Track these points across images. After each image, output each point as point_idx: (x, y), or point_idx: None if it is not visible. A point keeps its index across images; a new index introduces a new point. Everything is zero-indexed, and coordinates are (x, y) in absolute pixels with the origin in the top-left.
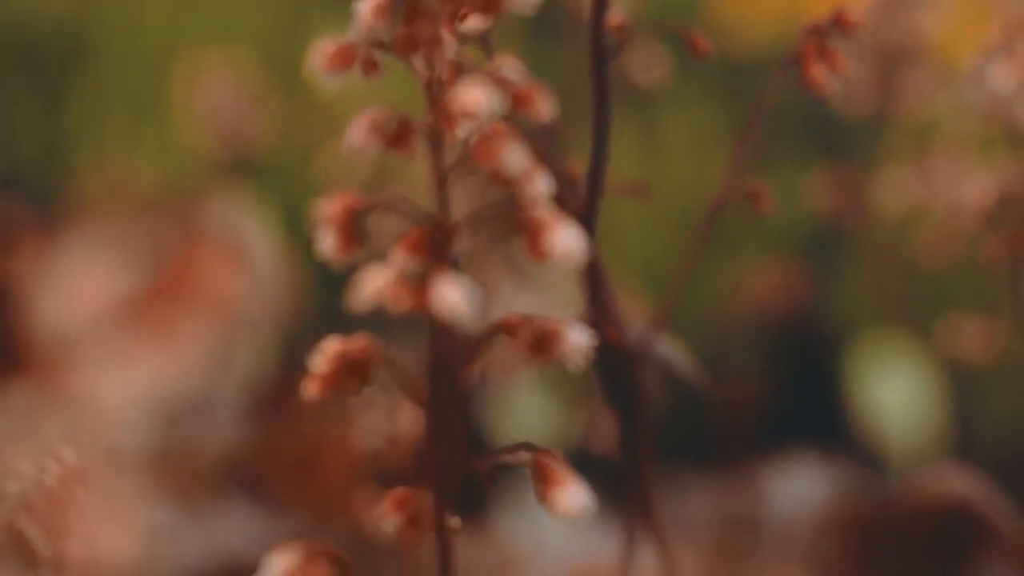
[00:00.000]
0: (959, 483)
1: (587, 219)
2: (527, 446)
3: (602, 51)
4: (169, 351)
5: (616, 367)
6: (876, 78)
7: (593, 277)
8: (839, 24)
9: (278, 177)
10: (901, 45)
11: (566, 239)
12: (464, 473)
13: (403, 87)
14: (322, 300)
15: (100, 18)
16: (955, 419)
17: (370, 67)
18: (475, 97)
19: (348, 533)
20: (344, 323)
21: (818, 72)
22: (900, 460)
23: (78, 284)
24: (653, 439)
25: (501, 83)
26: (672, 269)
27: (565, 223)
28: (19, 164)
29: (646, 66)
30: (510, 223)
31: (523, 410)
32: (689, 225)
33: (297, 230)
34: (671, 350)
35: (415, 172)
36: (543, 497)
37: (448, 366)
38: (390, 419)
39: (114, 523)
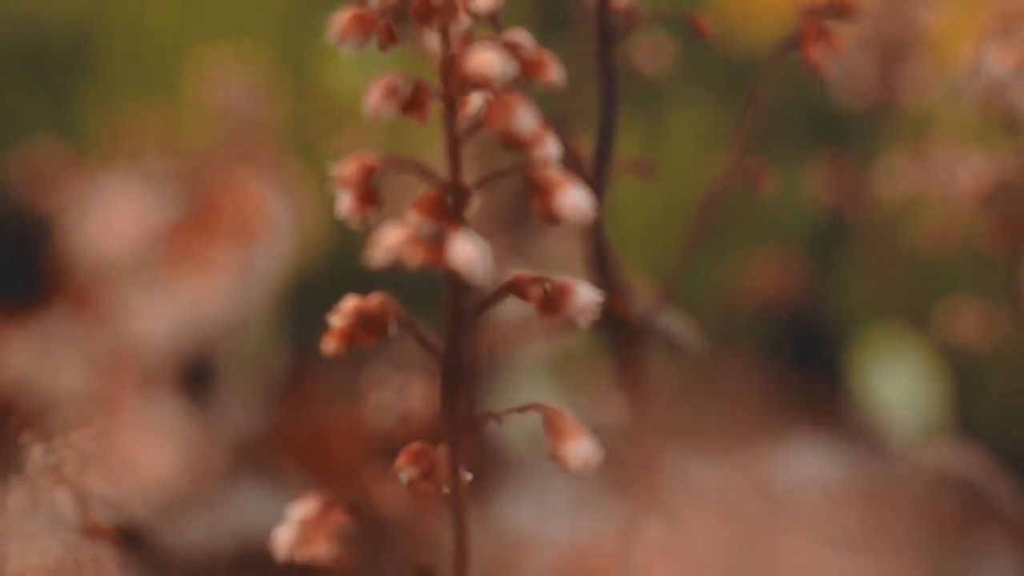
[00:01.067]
0: (962, 461)
1: (594, 193)
2: (537, 405)
3: (608, 33)
4: (201, 279)
5: (621, 340)
6: (876, 69)
7: (598, 252)
8: (837, 5)
9: (284, 172)
10: (901, 36)
11: (575, 197)
12: (474, 427)
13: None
14: (327, 290)
15: (105, 17)
16: (955, 407)
17: (386, 38)
18: (487, 59)
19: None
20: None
21: (817, 53)
22: (902, 449)
23: (115, 216)
24: (658, 412)
25: (512, 48)
26: (675, 265)
27: (574, 182)
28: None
29: (651, 56)
30: (520, 184)
31: (529, 393)
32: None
33: (305, 222)
34: (674, 323)
35: (426, 150)
36: (554, 453)
37: (462, 323)
38: (402, 397)
39: (151, 446)
